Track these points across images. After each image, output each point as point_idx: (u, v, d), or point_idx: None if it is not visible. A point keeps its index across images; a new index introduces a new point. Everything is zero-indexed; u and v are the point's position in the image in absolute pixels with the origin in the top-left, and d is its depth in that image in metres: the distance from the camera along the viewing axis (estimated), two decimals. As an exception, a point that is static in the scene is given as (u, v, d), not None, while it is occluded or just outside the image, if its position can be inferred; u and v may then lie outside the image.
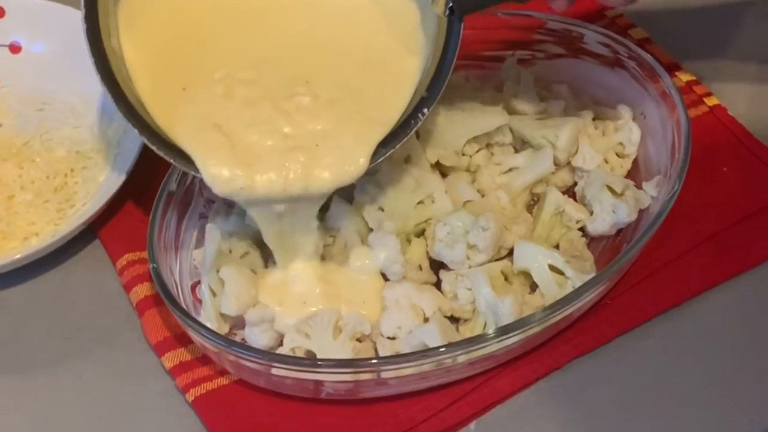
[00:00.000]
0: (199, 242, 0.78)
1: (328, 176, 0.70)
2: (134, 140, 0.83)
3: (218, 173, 0.69)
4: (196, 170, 0.70)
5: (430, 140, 0.80)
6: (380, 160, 0.71)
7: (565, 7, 0.72)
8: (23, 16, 0.93)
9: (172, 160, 0.70)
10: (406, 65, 0.74)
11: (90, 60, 0.69)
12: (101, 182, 0.84)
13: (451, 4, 0.69)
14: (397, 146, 0.71)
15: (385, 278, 0.74)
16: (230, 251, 0.75)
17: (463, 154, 0.81)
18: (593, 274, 0.71)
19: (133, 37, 0.73)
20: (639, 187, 0.78)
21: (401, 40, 0.74)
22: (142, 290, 0.78)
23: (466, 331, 0.72)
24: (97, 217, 0.81)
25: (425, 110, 0.72)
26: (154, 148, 0.70)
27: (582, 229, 0.78)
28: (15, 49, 0.94)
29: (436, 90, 0.72)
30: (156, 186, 0.77)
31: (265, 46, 0.75)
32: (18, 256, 0.77)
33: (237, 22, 0.76)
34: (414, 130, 0.72)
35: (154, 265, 0.72)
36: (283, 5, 0.76)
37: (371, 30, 0.75)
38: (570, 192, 0.81)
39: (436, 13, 0.71)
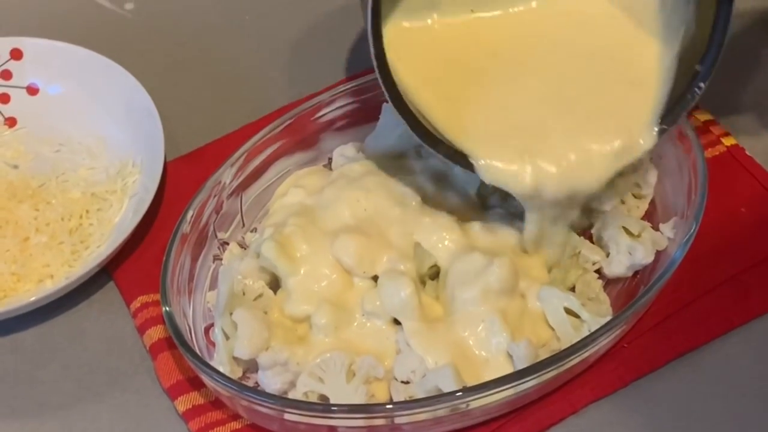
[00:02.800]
0: (213, 284, 0.78)
1: (606, 162, 0.72)
2: (149, 182, 0.83)
3: (505, 168, 0.72)
4: (473, 168, 0.73)
5: (444, 181, 0.80)
6: (662, 138, 0.73)
7: None
8: (40, 59, 0.94)
9: (451, 161, 0.73)
10: (646, 50, 0.76)
11: (379, 80, 0.70)
12: (116, 224, 0.84)
13: None
14: (676, 122, 0.73)
15: (397, 321, 0.73)
16: (243, 293, 0.74)
17: (479, 195, 0.80)
18: (609, 317, 0.70)
19: (404, 59, 0.75)
20: (656, 228, 0.77)
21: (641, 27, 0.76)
22: (156, 333, 0.78)
23: (481, 374, 0.71)
24: (111, 259, 0.81)
25: (702, 84, 0.73)
26: (434, 151, 0.73)
27: (598, 271, 0.77)
28: (32, 91, 0.94)
29: (710, 63, 0.73)
30: (170, 228, 0.77)
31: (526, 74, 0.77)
32: (33, 298, 0.77)
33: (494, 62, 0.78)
34: (692, 105, 0.73)
35: (167, 309, 0.72)
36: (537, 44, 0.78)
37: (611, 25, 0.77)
38: (586, 234, 0.80)
39: None
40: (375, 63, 0.69)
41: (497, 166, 0.72)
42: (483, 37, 0.77)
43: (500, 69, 0.76)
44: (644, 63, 0.75)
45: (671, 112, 0.74)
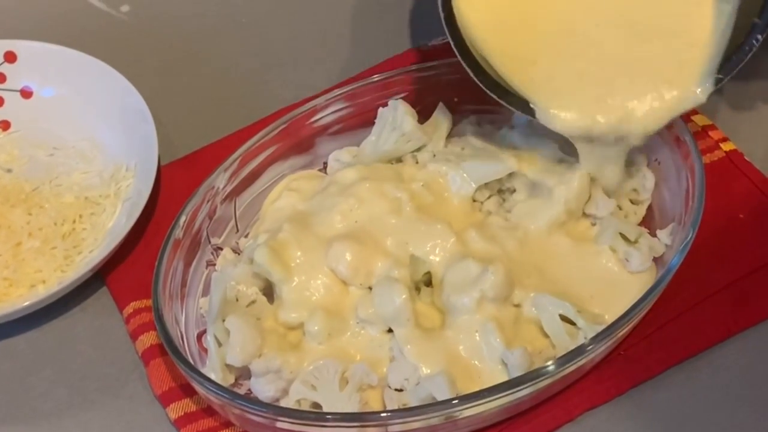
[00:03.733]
0: (206, 290, 0.78)
1: (664, 106, 0.75)
2: (142, 187, 0.83)
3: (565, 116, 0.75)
4: (533, 113, 0.76)
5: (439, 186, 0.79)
6: (720, 86, 0.75)
7: None
8: (34, 62, 0.93)
9: (513, 107, 0.77)
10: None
11: (445, 29, 0.74)
12: (109, 228, 0.84)
13: None
14: (735, 71, 0.75)
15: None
16: (237, 300, 0.74)
17: (474, 200, 0.80)
18: (606, 325, 0.69)
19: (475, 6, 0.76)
20: (653, 234, 0.77)
21: None
22: (148, 339, 0.77)
23: (475, 382, 0.70)
24: (104, 264, 0.80)
25: (759, 36, 0.74)
26: (496, 97, 0.76)
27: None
28: (26, 94, 0.94)
29: None
30: (164, 233, 0.76)
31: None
32: (26, 303, 0.77)
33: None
34: (749, 56, 0.75)
35: (159, 315, 0.71)
36: None
37: None
38: (583, 239, 0.79)
39: None
40: (440, 5, 0.72)
41: (567, 116, 0.75)
42: None
43: (566, 19, 0.78)
44: (702, 14, 0.76)
45: (728, 62, 0.75)
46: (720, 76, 0.75)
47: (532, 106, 0.76)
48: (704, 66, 0.75)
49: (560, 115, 0.76)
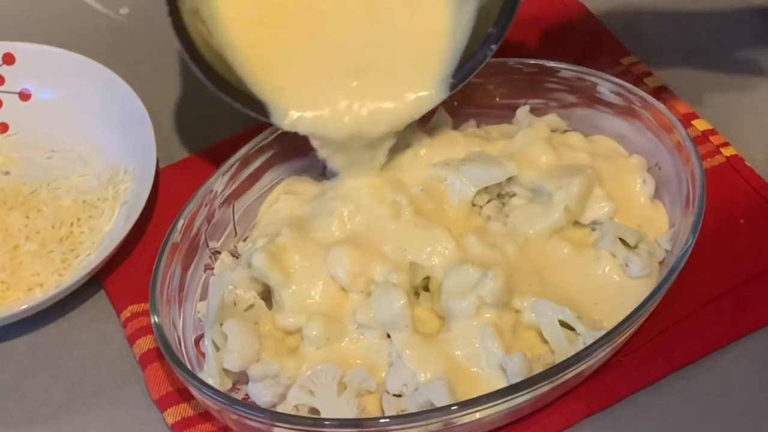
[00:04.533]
0: (204, 295, 0.77)
1: (391, 110, 0.77)
2: (140, 189, 0.82)
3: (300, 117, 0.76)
4: (268, 116, 0.77)
5: (438, 190, 0.79)
6: (455, 91, 0.77)
7: None
8: (33, 64, 0.93)
9: (242, 106, 0.77)
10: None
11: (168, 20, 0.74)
12: (107, 232, 0.83)
13: None
14: (467, 79, 0.77)
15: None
16: (234, 304, 0.73)
17: (474, 205, 0.79)
18: (605, 330, 0.69)
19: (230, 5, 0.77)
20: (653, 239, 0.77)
21: None
22: (146, 343, 0.77)
23: (474, 388, 0.70)
24: (102, 268, 0.80)
25: (493, 46, 0.76)
26: (230, 99, 0.77)
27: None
28: (24, 96, 0.93)
29: (502, 27, 0.76)
30: (162, 236, 0.76)
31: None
32: (23, 307, 0.77)
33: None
34: (483, 64, 0.77)
35: (156, 319, 0.71)
36: None
37: None
38: (583, 244, 0.79)
39: None
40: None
41: (309, 115, 0.76)
42: None
43: (313, 21, 0.78)
44: (440, 20, 0.77)
45: (463, 68, 0.77)
46: (453, 81, 0.77)
47: (267, 107, 0.77)
48: (439, 71, 0.77)
49: (294, 115, 0.76)
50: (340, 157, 0.78)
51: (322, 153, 0.78)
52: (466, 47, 0.77)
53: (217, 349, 0.71)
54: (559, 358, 0.69)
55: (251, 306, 0.74)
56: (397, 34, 0.78)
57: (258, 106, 0.77)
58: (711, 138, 0.86)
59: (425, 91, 0.77)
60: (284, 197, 0.81)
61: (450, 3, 0.77)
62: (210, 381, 0.70)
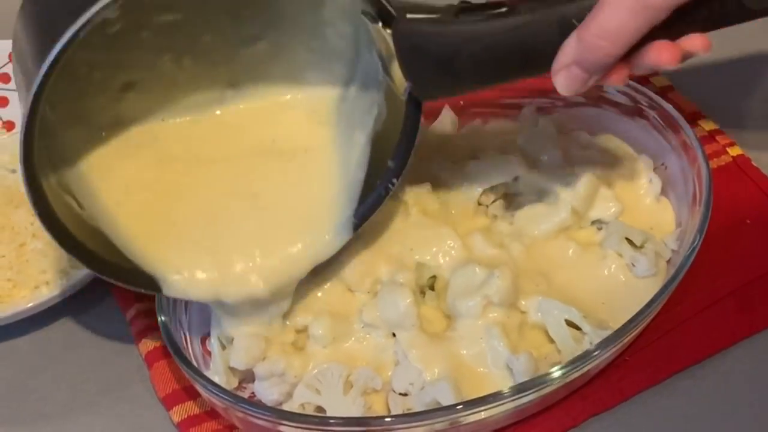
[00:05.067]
0: (210, 293, 0.77)
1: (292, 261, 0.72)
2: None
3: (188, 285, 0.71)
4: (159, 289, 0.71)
5: (444, 190, 0.79)
6: (359, 228, 0.73)
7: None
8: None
9: (135, 287, 0.71)
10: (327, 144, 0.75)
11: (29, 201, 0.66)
12: (113, 230, 0.84)
13: (410, 90, 0.69)
14: (370, 216, 0.73)
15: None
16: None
17: (479, 204, 0.80)
18: (612, 330, 0.69)
19: (105, 177, 0.72)
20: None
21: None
22: (152, 341, 0.77)
23: (480, 388, 0.70)
24: (108, 266, 0.80)
25: (395, 180, 0.72)
26: (113, 280, 0.70)
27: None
28: (30, 93, 0.93)
29: (402, 160, 0.72)
30: (168, 235, 0.76)
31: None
32: (29, 305, 0.77)
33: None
34: (387, 199, 0.73)
35: (163, 318, 0.71)
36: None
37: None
38: (589, 243, 0.79)
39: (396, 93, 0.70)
40: (27, 188, 0.65)
41: (205, 280, 0.71)
42: (176, 146, 0.75)
43: (193, 178, 0.74)
44: (328, 164, 0.75)
45: (365, 206, 0.73)
46: (356, 221, 0.73)
47: (158, 281, 0.71)
48: (336, 214, 0.73)
49: (190, 282, 0.71)
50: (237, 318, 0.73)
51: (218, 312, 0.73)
52: (366, 179, 0.73)
53: (224, 347, 0.72)
54: (566, 357, 0.69)
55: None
56: (286, 188, 0.74)
57: (143, 279, 0.71)
58: (717, 138, 0.86)
59: (327, 235, 0.73)
60: None
61: (334, 147, 0.75)
62: (216, 379, 0.70)
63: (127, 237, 0.71)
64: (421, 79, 0.68)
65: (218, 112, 0.76)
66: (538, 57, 0.64)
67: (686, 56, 0.63)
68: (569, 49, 0.62)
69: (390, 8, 0.66)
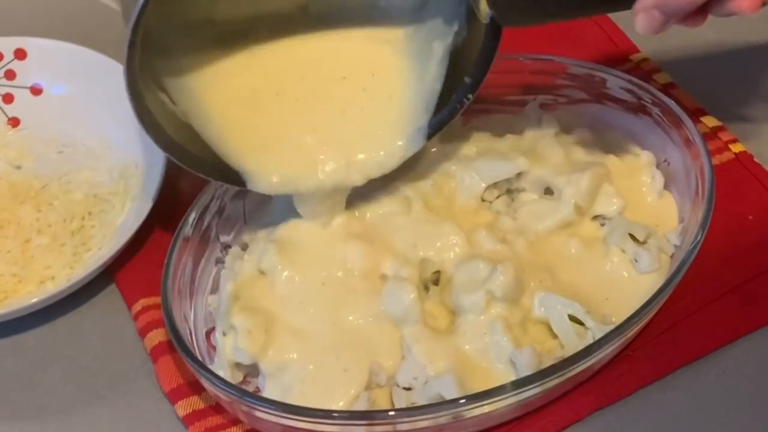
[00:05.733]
0: (215, 288, 0.78)
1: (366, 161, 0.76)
2: (151, 184, 0.83)
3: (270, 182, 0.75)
4: (243, 185, 0.75)
5: (448, 186, 0.79)
6: (428, 141, 0.76)
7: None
8: (44, 59, 0.93)
9: (214, 179, 0.76)
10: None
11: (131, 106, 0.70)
12: (118, 226, 0.84)
13: (491, 16, 0.71)
14: (442, 128, 0.76)
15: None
16: (245, 297, 0.74)
17: (483, 200, 0.80)
18: (615, 325, 0.69)
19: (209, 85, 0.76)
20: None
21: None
22: (157, 336, 0.77)
23: (484, 382, 0.70)
24: (113, 261, 0.80)
25: (469, 96, 0.75)
26: (203, 175, 0.75)
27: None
28: (36, 91, 0.94)
29: (478, 78, 0.75)
30: (173, 230, 0.76)
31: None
32: (34, 300, 0.77)
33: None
34: (460, 112, 0.76)
35: (168, 312, 0.71)
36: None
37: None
38: (592, 239, 0.79)
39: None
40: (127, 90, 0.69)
41: (288, 177, 0.75)
42: (266, 64, 0.78)
43: (283, 92, 0.78)
44: (403, 75, 0.78)
45: (439, 117, 0.76)
46: (430, 130, 0.76)
47: (244, 175, 0.75)
48: (411, 122, 0.76)
49: (275, 179, 0.75)
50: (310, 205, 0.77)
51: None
52: (443, 90, 0.77)
53: (228, 342, 0.72)
54: (569, 352, 0.70)
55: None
56: (366, 99, 0.78)
57: (230, 175, 0.75)
58: (720, 134, 0.87)
59: (399, 141, 0.76)
60: None
61: (410, 60, 0.78)
62: (221, 373, 0.70)
63: (219, 133, 0.75)
64: (504, 7, 0.70)
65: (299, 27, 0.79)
66: None
67: (765, 3, 0.65)
68: None
69: None
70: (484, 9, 0.71)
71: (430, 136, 0.76)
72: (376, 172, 0.76)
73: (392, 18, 0.78)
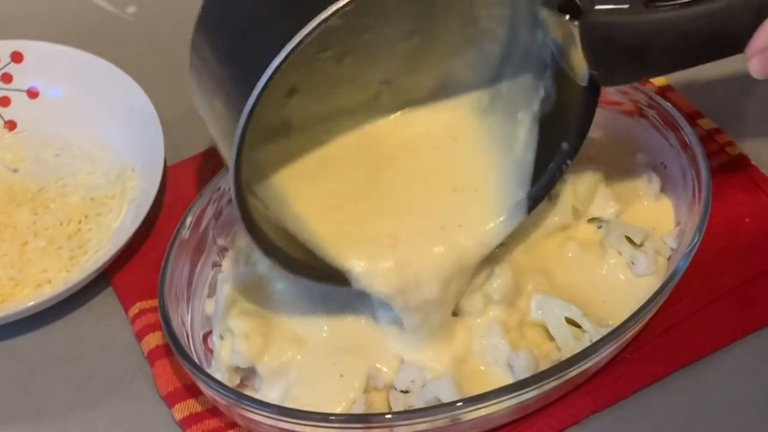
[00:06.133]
0: (212, 291, 0.77)
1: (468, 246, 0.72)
2: (148, 187, 0.83)
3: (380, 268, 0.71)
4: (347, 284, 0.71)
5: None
6: (530, 214, 0.73)
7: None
8: (41, 62, 0.93)
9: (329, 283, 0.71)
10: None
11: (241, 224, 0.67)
12: (115, 229, 0.84)
13: (591, 76, 0.68)
14: (542, 200, 0.73)
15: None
16: (242, 300, 0.74)
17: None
18: (611, 328, 0.69)
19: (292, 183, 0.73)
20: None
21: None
22: (154, 339, 0.77)
23: (481, 385, 0.70)
24: (110, 265, 0.80)
25: (569, 162, 0.72)
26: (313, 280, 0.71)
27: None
28: (32, 94, 0.94)
29: (577, 142, 0.72)
30: (170, 234, 0.76)
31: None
32: (31, 303, 0.77)
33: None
34: (559, 180, 0.73)
35: (165, 316, 0.71)
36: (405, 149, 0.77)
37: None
38: (589, 242, 0.79)
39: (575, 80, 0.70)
40: (234, 197, 0.65)
41: (374, 269, 0.70)
42: (347, 164, 0.75)
43: (369, 179, 0.75)
44: (490, 141, 0.75)
45: (538, 187, 0.73)
46: (530, 203, 0.73)
47: (348, 272, 0.70)
48: (507, 197, 0.73)
49: (380, 277, 0.70)
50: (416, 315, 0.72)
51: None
52: (537, 158, 0.73)
53: (225, 345, 0.72)
54: (566, 355, 0.70)
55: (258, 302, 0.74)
56: (455, 175, 0.75)
57: (334, 275, 0.71)
58: (716, 137, 0.87)
59: (500, 218, 0.73)
60: None
61: (496, 130, 0.75)
62: (218, 377, 0.70)
63: (314, 234, 0.71)
64: (607, 67, 0.68)
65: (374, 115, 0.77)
66: (730, 41, 0.65)
67: None
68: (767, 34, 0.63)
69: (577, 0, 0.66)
70: (581, 71, 0.68)
71: (531, 209, 0.73)
72: (481, 253, 0.72)
73: (467, 95, 0.76)
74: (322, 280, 0.71)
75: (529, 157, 0.73)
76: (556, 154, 0.72)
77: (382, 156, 0.76)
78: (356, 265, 0.70)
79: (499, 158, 0.74)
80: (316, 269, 0.71)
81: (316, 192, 0.73)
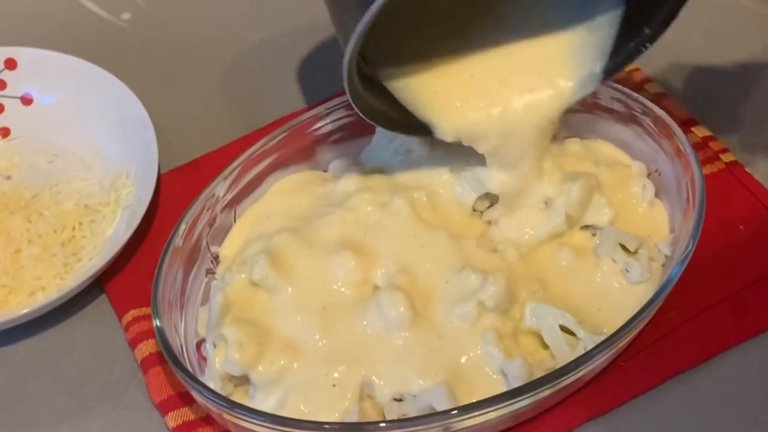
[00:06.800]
0: (206, 299, 0.77)
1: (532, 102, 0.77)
2: (142, 194, 0.83)
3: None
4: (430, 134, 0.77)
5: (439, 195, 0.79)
6: (610, 77, 0.78)
7: None
8: (35, 69, 0.93)
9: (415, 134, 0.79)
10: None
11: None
12: (108, 236, 0.84)
13: None
14: (617, 72, 0.77)
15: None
16: (235, 308, 0.73)
17: (474, 210, 0.80)
18: (606, 335, 0.69)
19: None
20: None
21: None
22: (147, 347, 0.77)
23: (475, 393, 0.70)
24: (104, 272, 0.80)
25: (648, 45, 0.76)
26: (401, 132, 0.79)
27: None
28: (26, 101, 0.94)
29: (659, 29, 0.75)
30: (164, 241, 0.76)
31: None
32: (24, 311, 0.77)
33: None
34: (636, 58, 0.77)
35: (158, 323, 0.71)
36: None
37: None
38: (583, 249, 0.79)
39: None
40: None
41: (467, 118, 0.77)
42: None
43: (461, 36, 0.79)
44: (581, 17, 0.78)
45: (615, 62, 0.77)
46: (605, 73, 0.77)
47: (431, 126, 0.77)
48: (584, 66, 0.77)
49: (457, 125, 0.77)
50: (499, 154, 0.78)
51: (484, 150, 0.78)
52: (619, 36, 0.77)
53: (219, 353, 0.71)
54: (560, 362, 0.70)
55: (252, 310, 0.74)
56: (538, 44, 0.79)
57: (419, 129, 0.77)
58: (710, 144, 0.87)
59: (570, 82, 0.77)
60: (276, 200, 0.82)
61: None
62: (212, 385, 0.70)
63: (415, 97, 0.77)
64: None
65: None
66: None
67: None
68: None
69: None
70: None
71: (603, 80, 0.77)
72: (543, 114, 0.77)
73: None
74: (406, 132, 0.78)
75: (611, 31, 0.77)
76: (637, 36, 0.76)
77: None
78: (437, 116, 0.77)
79: (586, 30, 0.78)
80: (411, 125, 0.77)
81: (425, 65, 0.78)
